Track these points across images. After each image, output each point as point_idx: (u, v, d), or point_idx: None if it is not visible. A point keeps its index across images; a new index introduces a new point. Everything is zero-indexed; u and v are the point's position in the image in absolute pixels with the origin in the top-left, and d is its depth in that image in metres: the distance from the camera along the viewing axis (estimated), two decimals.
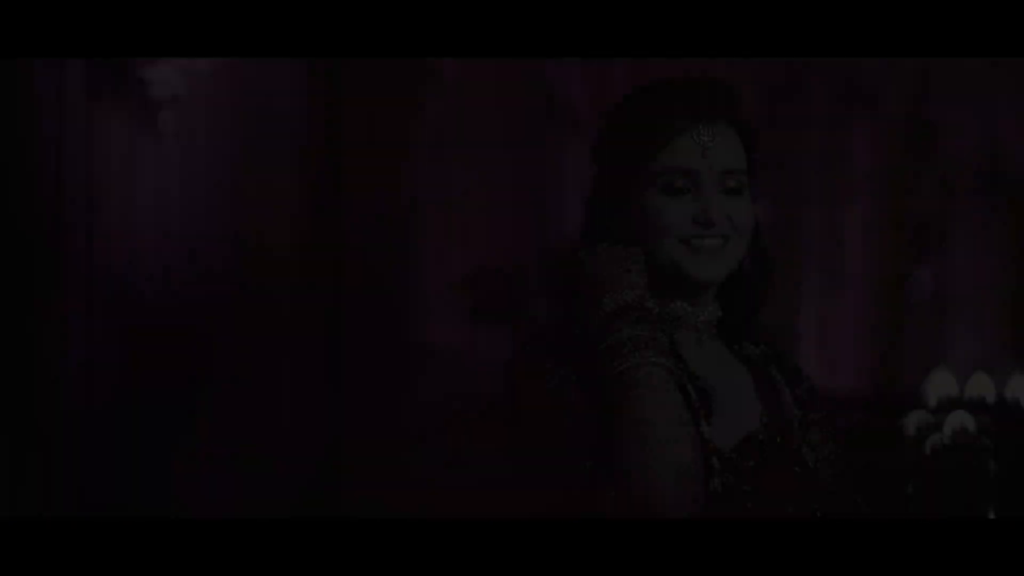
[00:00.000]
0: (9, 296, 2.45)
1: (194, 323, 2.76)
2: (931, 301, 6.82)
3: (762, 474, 2.01)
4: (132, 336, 2.64)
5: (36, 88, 2.49)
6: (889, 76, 6.05)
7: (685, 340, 2.06)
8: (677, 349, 2.00)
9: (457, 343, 3.27)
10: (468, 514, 3.21)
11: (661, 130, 2.03)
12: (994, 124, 6.95)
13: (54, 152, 2.51)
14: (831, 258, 5.88)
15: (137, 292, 2.65)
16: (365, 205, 3.17)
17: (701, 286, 2.05)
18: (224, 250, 2.83)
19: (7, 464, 2.46)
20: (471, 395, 3.16)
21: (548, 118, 3.88)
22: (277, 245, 2.96)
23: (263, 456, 2.91)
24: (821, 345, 5.76)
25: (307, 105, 3.04)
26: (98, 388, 2.56)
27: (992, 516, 2.87)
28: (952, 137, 6.80)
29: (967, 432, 3.03)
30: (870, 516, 2.13)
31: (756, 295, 2.14)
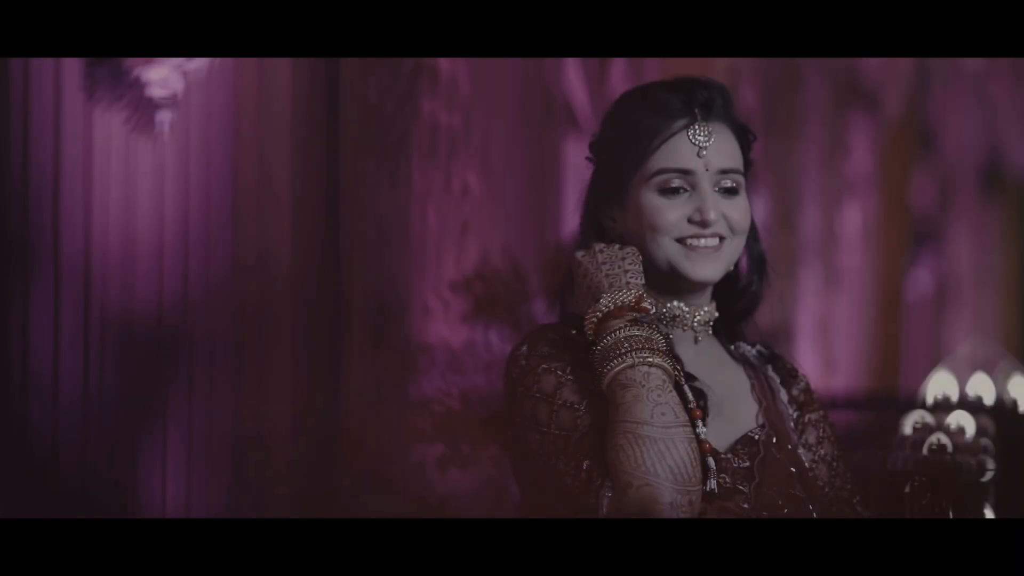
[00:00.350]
0: (4, 296, 2.45)
1: (191, 322, 2.76)
2: (930, 301, 6.83)
3: (758, 474, 2.01)
4: (129, 336, 2.64)
5: (32, 88, 2.48)
6: (888, 75, 6.05)
7: (681, 340, 2.06)
8: (673, 349, 2.00)
9: (456, 343, 3.26)
10: (466, 514, 3.22)
11: (657, 130, 2.03)
12: (994, 124, 6.96)
13: (51, 152, 2.51)
14: (829, 258, 5.88)
15: (134, 291, 2.65)
16: (364, 205, 3.17)
17: (697, 286, 2.05)
18: (222, 249, 2.83)
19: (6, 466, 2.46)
20: (470, 395, 3.16)
21: (548, 118, 3.88)
22: (275, 245, 2.96)
23: (260, 456, 2.90)
24: (818, 345, 5.76)
25: (305, 105, 3.04)
26: (93, 388, 2.56)
27: (990, 516, 2.87)
28: (951, 137, 6.80)
29: (966, 432, 3.03)
30: (867, 516, 2.13)
31: (752, 295, 2.14)
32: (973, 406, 3.21)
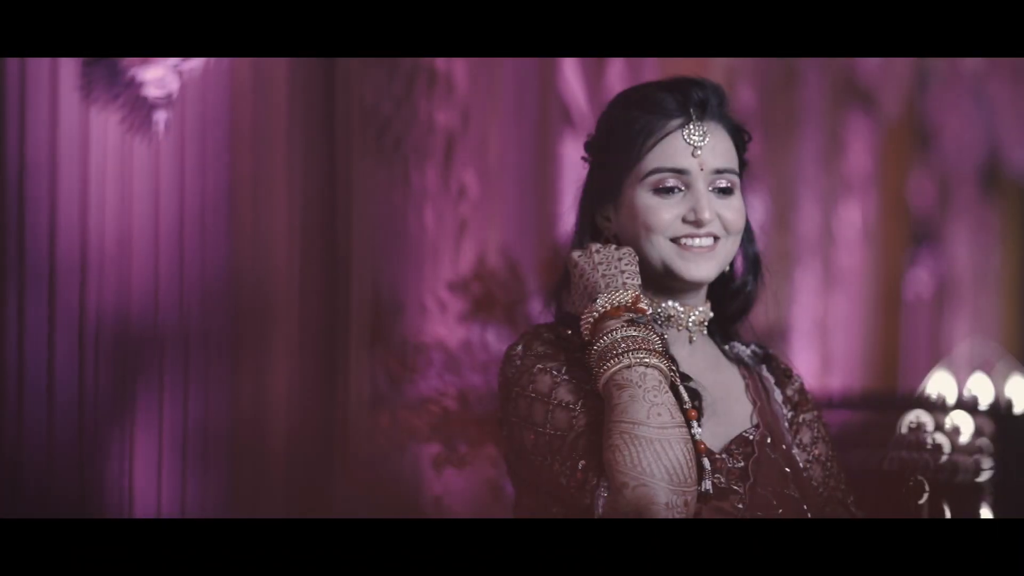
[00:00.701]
0: (0, 294, 2.45)
1: (187, 321, 2.75)
2: (928, 301, 6.83)
3: (752, 474, 2.01)
4: (124, 334, 2.64)
5: (28, 88, 2.48)
6: (887, 75, 6.05)
7: (676, 340, 2.06)
8: (668, 349, 2.00)
9: (453, 343, 3.27)
10: (462, 514, 3.21)
11: (652, 129, 2.03)
12: (993, 124, 6.95)
13: (47, 152, 2.51)
14: (827, 257, 5.88)
15: (129, 290, 2.65)
16: (361, 205, 3.17)
17: (692, 286, 2.05)
18: (217, 248, 2.83)
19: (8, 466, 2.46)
20: (467, 395, 3.16)
21: (545, 118, 3.88)
22: (272, 245, 2.96)
23: (255, 456, 2.90)
24: (816, 344, 5.76)
25: (302, 105, 3.04)
26: (88, 387, 2.56)
27: (987, 517, 2.87)
28: (950, 136, 6.80)
29: (963, 433, 3.03)
30: (861, 517, 2.13)
31: (747, 296, 2.14)
32: (971, 406, 3.21)
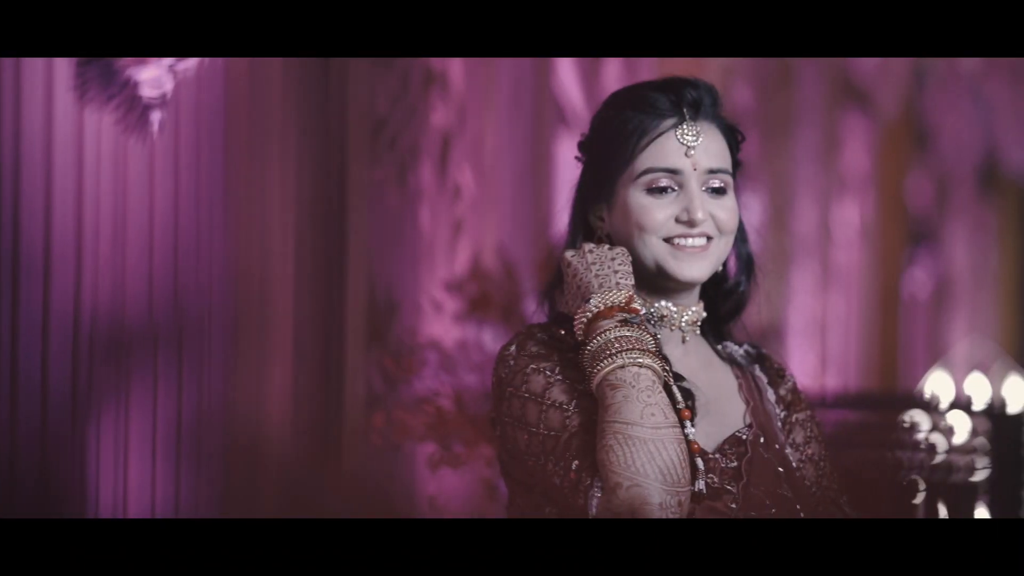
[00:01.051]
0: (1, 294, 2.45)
1: (181, 322, 2.75)
2: (927, 300, 6.82)
3: (746, 474, 2.01)
4: (119, 334, 2.64)
5: (23, 88, 2.48)
6: (884, 75, 6.05)
7: (669, 340, 2.06)
8: (661, 349, 1.99)
9: (449, 343, 3.27)
10: (457, 514, 3.21)
11: (645, 129, 2.03)
12: (991, 123, 6.95)
13: (42, 152, 2.50)
14: (825, 257, 5.88)
15: (124, 289, 2.65)
16: (356, 205, 3.17)
17: (685, 286, 2.05)
18: (212, 248, 2.83)
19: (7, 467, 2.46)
20: (462, 395, 3.16)
21: (543, 118, 3.88)
22: (266, 245, 2.96)
23: (249, 456, 2.90)
24: (814, 344, 5.75)
25: (296, 105, 3.04)
26: (82, 386, 2.56)
27: (982, 516, 2.87)
28: (948, 136, 6.79)
29: (959, 432, 3.03)
30: (854, 516, 2.13)
31: (740, 295, 2.14)
32: (966, 406, 3.21)
